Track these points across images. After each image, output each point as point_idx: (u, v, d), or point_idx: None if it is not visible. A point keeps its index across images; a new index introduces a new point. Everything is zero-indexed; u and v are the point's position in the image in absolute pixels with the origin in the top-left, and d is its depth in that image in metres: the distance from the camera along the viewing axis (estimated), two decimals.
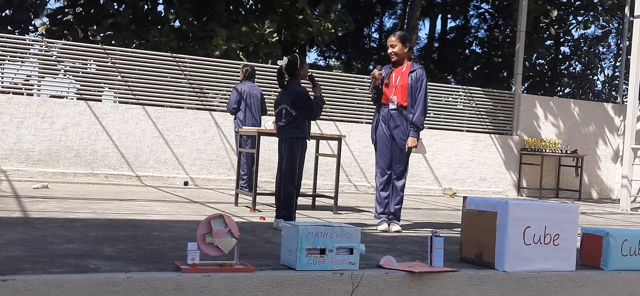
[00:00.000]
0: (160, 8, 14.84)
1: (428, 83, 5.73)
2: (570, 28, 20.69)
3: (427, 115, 6.31)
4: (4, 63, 9.83)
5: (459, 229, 4.46)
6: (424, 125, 5.69)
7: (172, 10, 13.59)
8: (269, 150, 10.44)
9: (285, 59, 5.45)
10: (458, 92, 12.54)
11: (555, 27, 19.84)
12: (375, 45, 24.42)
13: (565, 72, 21.62)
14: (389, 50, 5.69)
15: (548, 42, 20.85)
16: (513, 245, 3.84)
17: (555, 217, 3.98)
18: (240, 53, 12.64)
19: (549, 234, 3.95)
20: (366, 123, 11.34)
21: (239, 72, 10.60)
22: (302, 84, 5.52)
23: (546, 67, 21.24)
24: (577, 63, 21.72)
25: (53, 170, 9.48)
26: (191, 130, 10.25)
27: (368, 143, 11.23)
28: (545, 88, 20.70)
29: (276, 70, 5.42)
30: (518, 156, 12.35)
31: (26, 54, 10.03)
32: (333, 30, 13.86)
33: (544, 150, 12.12)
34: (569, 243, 4.01)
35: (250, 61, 12.02)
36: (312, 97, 5.45)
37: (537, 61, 20.53)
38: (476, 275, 3.74)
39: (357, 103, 11.37)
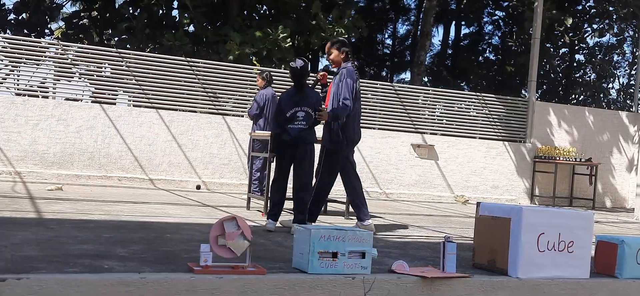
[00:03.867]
0: (175, 12, 14.94)
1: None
2: (585, 36, 20.56)
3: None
4: (20, 66, 9.92)
5: (471, 236, 4.44)
6: (341, 117, 5.48)
7: (186, 15, 13.67)
8: None
9: (299, 60, 5.45)
10: (471, 99, 12.49)
11: (570, 34, 19.72)
12: (388, 51, 24.39)
13: (580, 80, 21.47)
14: (326, 57, 5.71)
15: (563, 50, 20.73)
16: (527, 252, 3.81)
17: (569, 224, 3.95)
18: (254, 58, 12.68)
19: (563, 241, 3.92)
20: (379, 129, 11.32)
21: (252, 77, 10.65)
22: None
23: (560, 74, 21.12)
24: (591, 71, 21.56)
25: (67, 172, 9.55)
26: (204, 134, 10.28)
27: (380, 149, 11.21)
28: (559, 96, 20.58)
29: (290, 69, 5.44)
30: (531, 164, 12.27)
31: (42, 57, 10.13)
32: (346, 36, 13.86)
33: (557, 158, 12.03)
34: (584, 250, 3.97)
35: (263, 66, 12.06)
36: None
37: (554, 68, 20.42)
38: (489, 281, 3.72)
39: (369, 109, 11.36)
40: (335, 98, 5.53)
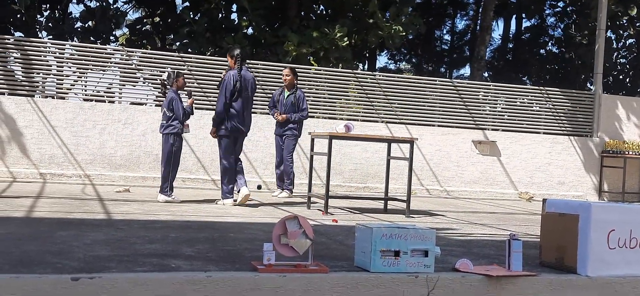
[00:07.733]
0: (234, 16, 15.18)
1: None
2: None
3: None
4: (87, 72, 10.31)
5: (537, 233, 4.34)
6: (220, 117, 6.94)
7: (245, 17, 13.86)
8: (340, 154, 10.48)
9: (165, 73, 7.42)
10: (534, 93, 12.17)
11: (638, 25, 18.96)
12: (447, 47, 24.06)
13: None
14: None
15: (630, 41, 19.94)
16: (596, 249, 3.70)
17: None
18: (311, 58, 12.74)
19: (635, 238, 3.78)
20: (438, 126, 11.18)
21: (309, 77, 10.70)
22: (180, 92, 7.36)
23: (627, 66, 20.32)
24: None
25: (134, 175, 9.85)
26: (264, 135, 10.41)
27: (440, 146, 11.08)
28: (626, 89, 19.82)
29: (159, 82, 7.33)
30: (599, 159, 11.86)
31: (108, 63, 10.48)
32: (403, 33, 13.75)
33: (626, 153, 11.59)
34: None
35: (320, 65, 12.11)
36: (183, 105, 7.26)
37: (613, 62, 19.67)
38: (557, 279, 3.62)
39: (428, 106, 11.23)
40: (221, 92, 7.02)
